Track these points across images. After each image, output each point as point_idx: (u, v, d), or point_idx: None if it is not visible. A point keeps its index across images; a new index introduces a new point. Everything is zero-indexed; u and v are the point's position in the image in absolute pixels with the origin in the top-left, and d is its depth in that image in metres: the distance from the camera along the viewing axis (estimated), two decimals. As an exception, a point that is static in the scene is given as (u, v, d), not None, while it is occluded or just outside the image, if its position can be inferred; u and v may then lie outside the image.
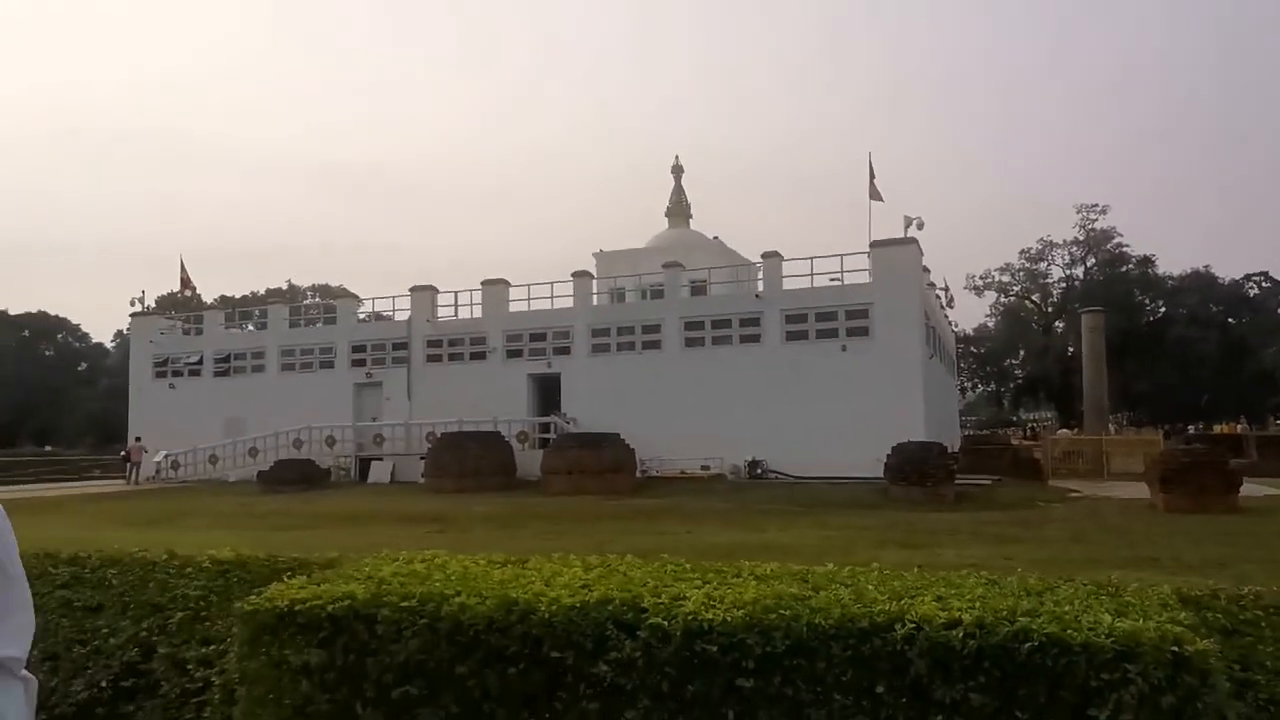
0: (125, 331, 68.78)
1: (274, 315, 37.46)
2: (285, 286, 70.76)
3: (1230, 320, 60.50)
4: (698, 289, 32.20)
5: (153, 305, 42.15)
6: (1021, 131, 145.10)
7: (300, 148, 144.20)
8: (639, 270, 33.59)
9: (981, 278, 63.69)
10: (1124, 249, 60.50)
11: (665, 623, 3.00)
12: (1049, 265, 62.99)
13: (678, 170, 42.34)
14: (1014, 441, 39.08)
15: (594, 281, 33.47)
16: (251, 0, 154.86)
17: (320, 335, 35.92)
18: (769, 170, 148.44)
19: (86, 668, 4.28)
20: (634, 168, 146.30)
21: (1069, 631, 2.70)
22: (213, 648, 4.09)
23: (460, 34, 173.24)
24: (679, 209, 41.62)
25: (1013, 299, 65.07)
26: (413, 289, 34.36)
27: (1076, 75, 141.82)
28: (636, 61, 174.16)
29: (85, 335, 72.74)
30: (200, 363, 36.62)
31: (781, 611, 2.97)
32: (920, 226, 28.47)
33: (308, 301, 56.93)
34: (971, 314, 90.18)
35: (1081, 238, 60.87)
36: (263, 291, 69.72)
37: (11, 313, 67.83)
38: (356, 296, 38.22)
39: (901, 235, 28.76)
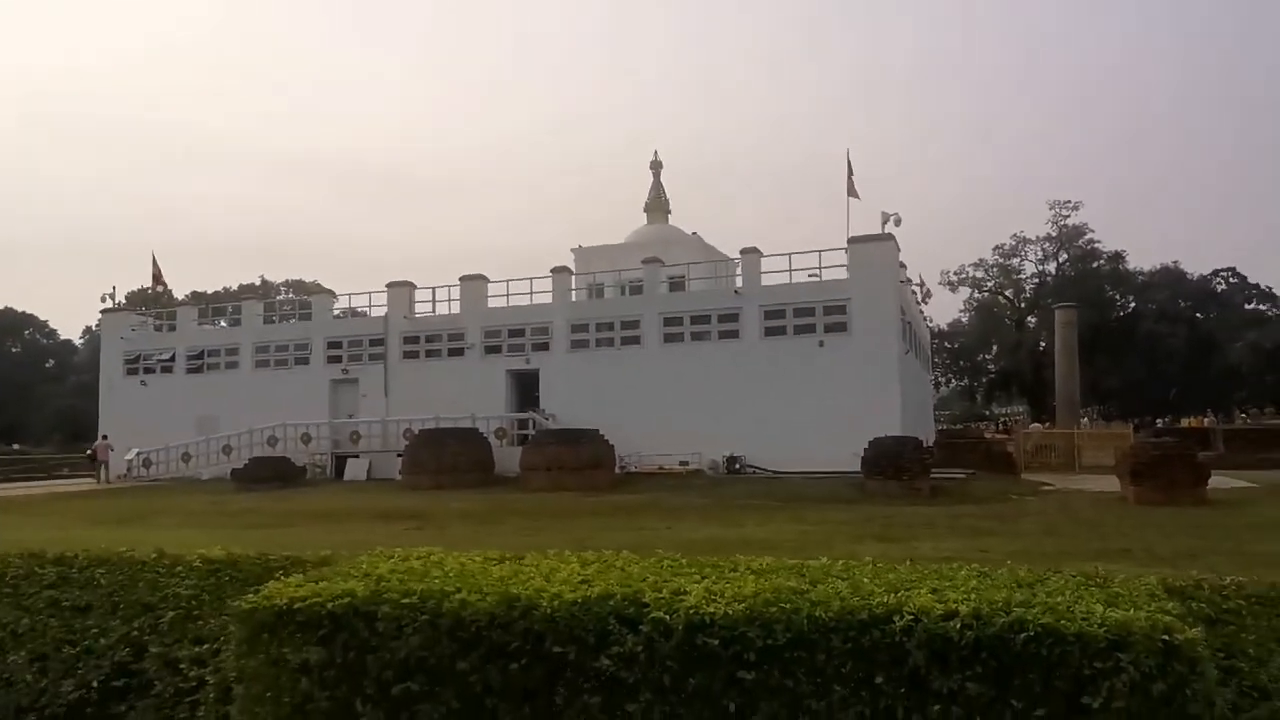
0: (94, 328, 67.79)
1: (248, 311, 37.02)
2: (258, 282, 70.00)
3: (1198, 315, 61.60)
4: (676, 285, 32.24)
5: (123, 301, 41.40)
6: (996, 128, 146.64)
7: (272, 141, 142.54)
8: (618, 266, 33.57)
9: (956, 273, 64.45)
10: (1095, 245, 61.44)
11: (667, 617, 3.03)
12: (1022, 261, 63.85)
13: (656, 165, 42.34)
14: (987, 436, 39.53)
15: (573, 277, 33.38)
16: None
17: (295, 331, 35.56)
18: (746, 166, 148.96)
19: (76, 668, 4.24)
20: (612, 162, 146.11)
21: (1063, 622, 2.77)
22: (206, 646, 4.06)
23: (435, 25, 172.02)
24: (658, 204, 41.62)
25: (986, 294, 65.84)
26: (389, 284, 34.10)
27: (1051, 73, 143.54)
28: (612, 55, 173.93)
29: (53, 332, 71.55)
30: (173, 359, 36.10)
31: (782, 605, 3.01)
32: (898, 223, 28.72)
33: (282, 297, 56.35)
34: (946, 309, 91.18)
35: (1054, 234, 61.73)
36: (235, 287, 68.92)
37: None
38: (332, 292, 37.88)
39: (879, 231, 28.97)
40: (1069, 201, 61.34)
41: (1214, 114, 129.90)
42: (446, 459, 26.03)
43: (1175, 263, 63.66)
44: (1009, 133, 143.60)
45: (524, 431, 29.59)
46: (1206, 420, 49.30)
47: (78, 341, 72.52)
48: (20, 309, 69.24)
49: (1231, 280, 64.07)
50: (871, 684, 2.88)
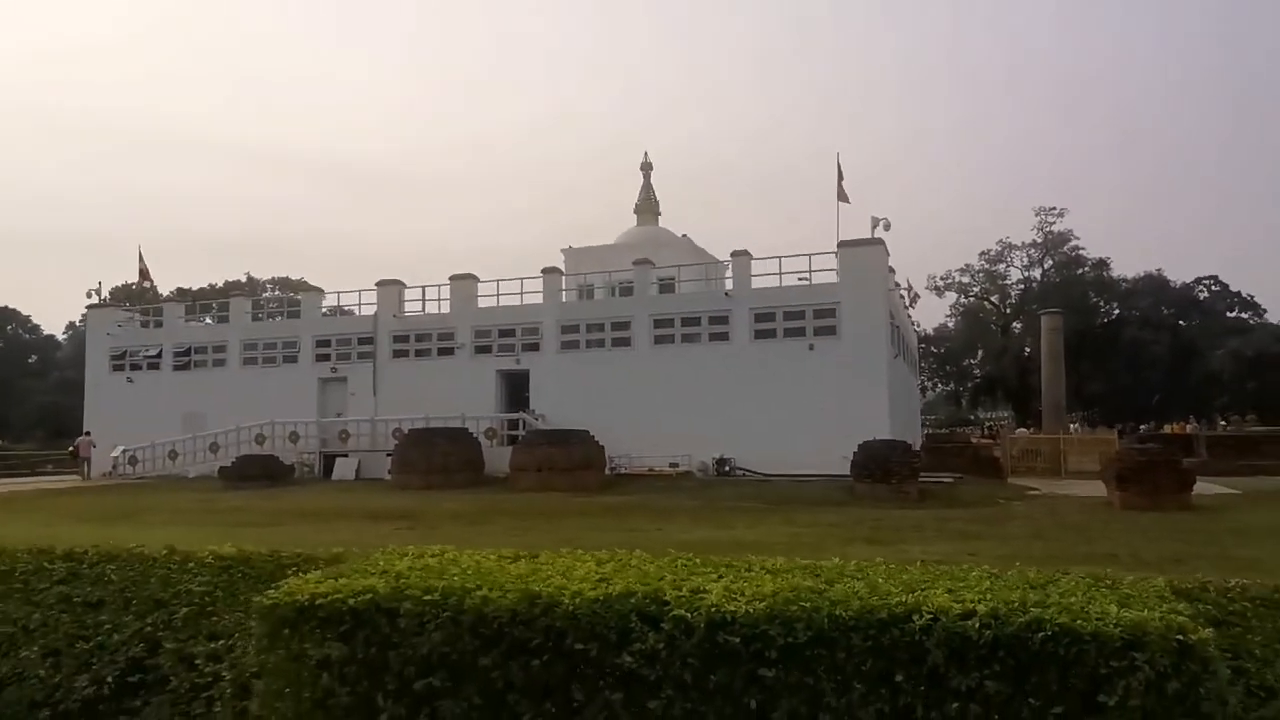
0: (78, 323, 67.19)
1: (236, 308, 36.78)
2: (244, 279, 69.58)
3: (1181, 323, 62.26)
4: (666, 286, 32.29)
5: (108, 297, 41.06)
6: (984, 134, 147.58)
7: (258, 138, 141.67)
8: (608, 267, 33.59)
9: (942, 278, 64.90)
10: (1080, 251, 62.02)
11: (688, 615, 3.08)
12: (1008, 267, 64.36)
13: (647, 167, 42.41)
14: (974, 440, 39.78)
15: (563, 278, 33.38)
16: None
17: (283, 329, 35.37)
18: (735, 169, 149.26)
19: (90, 663, 4.24)
20: (602, 164, 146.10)
21: (1079, 622, 2.83)
22: (221, 643, 4.08)
23: (420, 22, 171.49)
24: (648, 206, 41.68)
25: (972, 300, 66.33)
26: (379, 283, 33.98)
27: (1039, 81, 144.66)
28: (600, 55, 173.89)
29: (36, 327, 70.82)
30: (159, 356, 35.83)
31: (802, 604, 3.06)
32: (887, 228, 28.91)
33: (269, 295, 56.03)
34: (932, 314, 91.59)
35: (1040, 240, 62.26)
36: (221, 284, 68.46)
37: (-41, 303, 65.81)
38: (320, 290, 37.57)
39: (868, 235, 29.14)
40: (1054, 208, 61.98)
41: (1200, 125, 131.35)
42: (436, 459, 25.97)
43: (1159, 270, 64.43)
44: (997, 139, 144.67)
45: (514, 432, 29.55)
46: (1189, 426, 49.78)
47: (61, 337, 71.86)
48: (1, 303, 68.55)
49: (1214, 288, 64.82)
50: (891, 681, 2.93)
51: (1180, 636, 2.78)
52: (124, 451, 31.47)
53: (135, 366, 36.17)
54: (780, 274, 29.89)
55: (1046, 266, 63.10)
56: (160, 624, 4.29)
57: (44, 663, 4.32)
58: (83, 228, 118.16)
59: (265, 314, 38.42)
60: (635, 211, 42.04)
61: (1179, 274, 67.80)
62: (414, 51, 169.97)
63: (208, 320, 39.52)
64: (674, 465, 27.78)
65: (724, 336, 29.48)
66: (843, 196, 30.42)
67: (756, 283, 30.10)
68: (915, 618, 2.95)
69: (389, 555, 4.07)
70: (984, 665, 2.88)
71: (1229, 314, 63.96)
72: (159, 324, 37.35)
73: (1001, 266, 64.15)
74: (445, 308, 33.03)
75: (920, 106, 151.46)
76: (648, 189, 42.11)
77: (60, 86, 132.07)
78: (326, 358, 33.69)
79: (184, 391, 34.58)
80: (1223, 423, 53.30)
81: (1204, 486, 22.72)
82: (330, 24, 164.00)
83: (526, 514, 19.39)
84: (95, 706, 4.16)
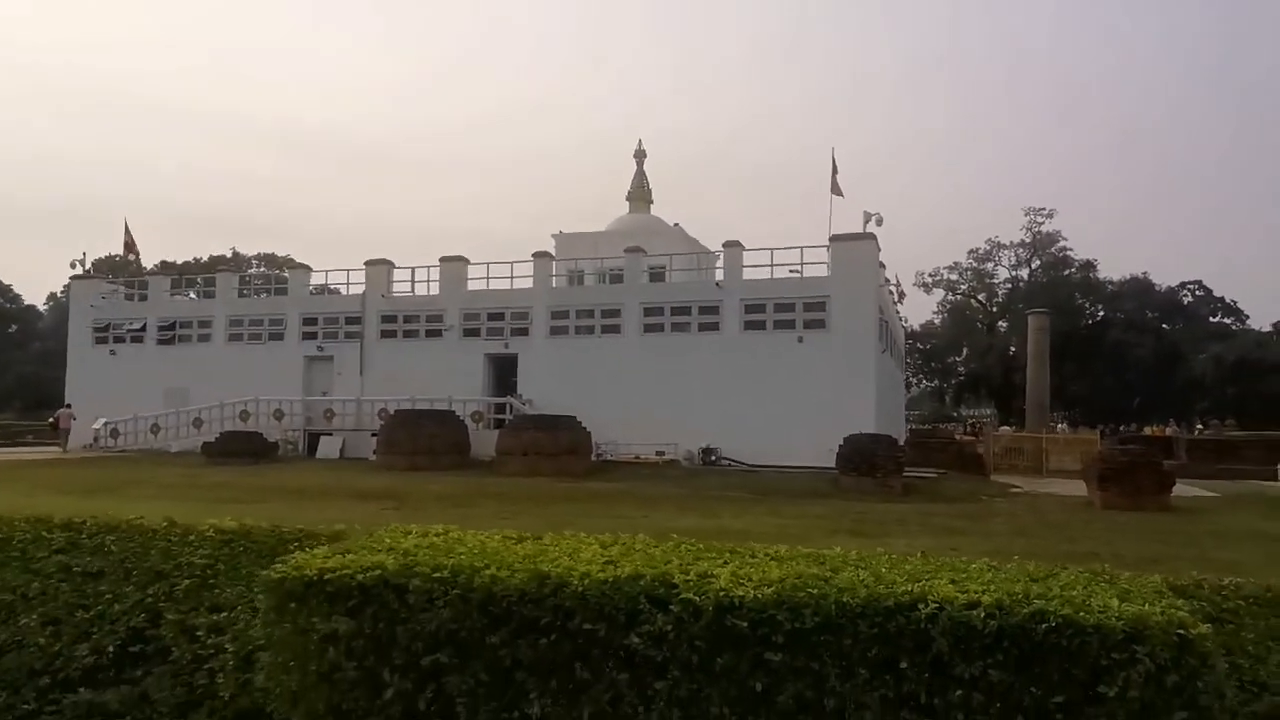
0: (59, 294, 66.46)
1: (222, 283, 36.47)
2: (230, 254, 69.00)
3: (1164, 326, 62.88)
4: (657, 275, 32.27)
5: (91, 269, 40.62)
6: (976, 133, 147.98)
7: (247, 111, 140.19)
8: (598, 253, 33.52)
9: (931, 275, 65.21)
10: (1068, 252, 62.47)
11: (697, 598, 3.12)
12: (996, 265, 64.76)
13: (640, 155, 42.26)
14: (958, 437, 40.10)
15: (553, 263, 33.29)
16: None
17: (270, 306, 35.12)
18: (729, 160, 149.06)
19: (90, 632, 4.24)
20: (594, 150, 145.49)
21: (1081, 614, 2.89)
22: (224, 615, 4.08)
23: (413, 1, 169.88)
24: (640, 193, 41.56)
25: (959, 297, 66.70)
26: (368, 262, 33.77)
27: (1034, 81, 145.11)
28: (595, 41, 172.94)
29: (17, 297, 69.97)
30: (143, 329, 35.50)
31: (809, 590, 3.11)
32: (879, 223, 28.99)
33: (255, 270, 55.58)
34: (919, 310, 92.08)
35: (1028, 240, 62.63)
36: (205, 258, 67.88)
37: (-62, 270, 64.92)
38: (308, 267, 37.32)
39: (860, 230, 29.22)
40: (1044, 209, 62.37)
41: (1194, 130, 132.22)
42: (422, 440, 25.92)
43: (1144, 274, 65.00)
44: (991, 138, 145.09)
45: (500, 416, 29.54)
46: (1168, 429, 50.32)
47: (42, 307, 71.07)
48: (-17, 272, 67.64)
49: (1198, 293, 65.47)
50: (895, 668, 2.99)
51: (1180, 631, 2.85)
52: (105, 424, 31.23)
53: (119, 339, 35.84)
54: (771, 266, 29.94)
55: (1034, 266, 63.55)
56: (162, 595, 4.29)
57: (44, 631, 4.31)
58: (66, 197, 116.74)
59: (252, 290, 38.14)
60: (628, 199, 41.92)
61: (1165, 278, 68.44)
62: (404, 30, 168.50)
63: (192, 295, 39.19)
64: (660, 453, 27.87)
65: (714, 327, 29.53)
66: (836, 190, 30.49)
67: (747, 274, 30.13)
68: (921, 607, 3.00)
69: (393, 533, 4.08)
70: (987, 654, 2.94)
71: (1212, 319, 64.67)
72: (143, 297, 37.00)
73: (989, 265, 64.61)
74: (434, 289, 32.89)
75: (916, 103, 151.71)
76: (641, 176, 41.99)
77: (48, 50, 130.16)
78: (313, 336, 33.51)
79: (167, 366, 34.31)
80: (1199, 427, 53.90)
81: (1183, 489, 22.99)
82: (336, 6, 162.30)
83: (513, 498, 19.40)
84: (95, 675, 4.16)
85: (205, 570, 4.34)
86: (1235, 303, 65.25)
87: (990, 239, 64.24)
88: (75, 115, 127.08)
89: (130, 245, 38.26)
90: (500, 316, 31.69)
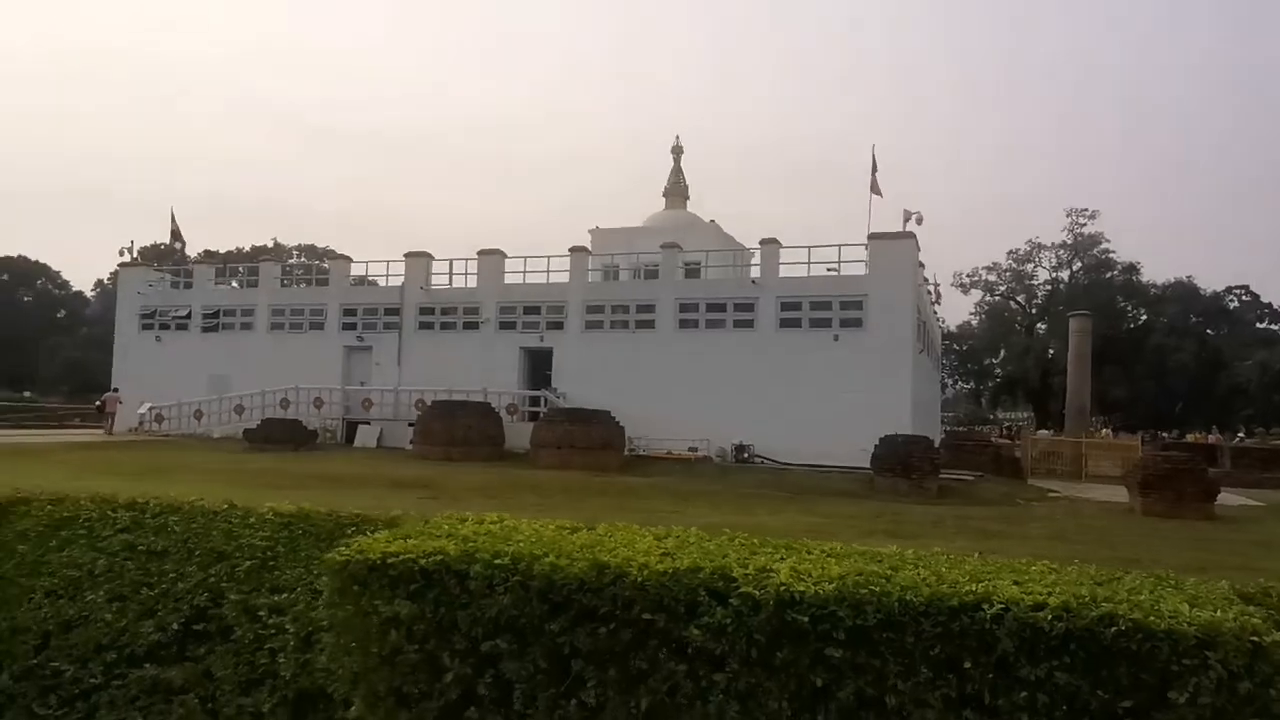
0: (105, 281, 68.00)
1: (265, 273, 37.07)
2: (271, 244, 70.06)
3: (1209, 332, 61.53)
4: (692, 271, 32.23)
5: (138, 257, 41.48)
6: (1020, 133, 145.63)
7: (292, 104, 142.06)
8: (634, 249, 33.56)
9: (969, 275, 64.36)
10: (1110, 254, 61.26)
11: (757, 592, 3.13)
12: (1035, 267, 63.74)
13: (677, 151, 42.20)
14: (994, 440, 39.62)
15: (590, 258, 33.38)
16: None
17: (311, 296, 35.64)
18: (765, 158, 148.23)
19: (155, 610, 4.35)
20: (631, 146, 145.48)
21: (1151, 618, 2.86)
22: (284, 596, 4.17)
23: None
24: (677, 190, 41.51)
25: (998, 299, 65.77)
26: (407, 254, 34.13)
27: (1077, 80, 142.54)
28: (637, 41, 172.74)
29: (65, 283, 71.74)
30: (188, 317, 36.20)
31: (871, 587, 3.11)
32: (919, 221, 28.70)
33: (295, 261, 56.37)
34: (956, 311, 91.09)
35: (1069, 241, 61.57)
36: (247, 248, 69.01)
37: (-9, 257, 66.74)
38: (348, 258, 37.79)
39: (899, 229, 28.95)
40: (1086, 209, 61.20)
41: (1240, 137, 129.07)
42: (458, 431, 26.18)
43: (1189, 277, 63.54)
44: (1034, 136, 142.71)
45: (535, 409, 29.73)
46: (1211, 437, 49.28)
47: (89, 293, 72.72)
48: (34, 258, 69.39)
49: (1244, 298, 63.97)
50: (959, 668, 2.98)
51: (1254, 638, 2.81)
52: (150, 409, 31.90)
53: (164, 326, 36.59)
54: (809, 263, 29.78)
55: (1075, 268, 62.43)
56: (224, 575, 4.39)
57: (110, 607, 4.43)
58: (115, 185, 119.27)
59: (293, 280, 38.70)
60: (664, 195, 41.90)
61: (1209, 282, 66.88)
62: (445, 22, 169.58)
63: (234, 284, 39.86)
64: (693, 449, 27.87)
65: (749, 324, 29.43)
66: (876, 189, 30.23)
67: (784, 271, 29.98)
68: (986, 607, 2.99)
69: (450, 520, 4.14)
70: (1054, 656, 2.92)
71: (1259, 325, 63.14)
72: (188, 285, 37.75)
73: (1029, 266, 63.59)
74: (472, 282, 33.15)
75: (958, 102, 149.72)
76: (677, 173, 41.94)
77: (95, 38, 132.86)
78: (353, 326, 33.96)
79: (211, 353, 34.98)
80: (1239, 435, 52.69)
81: (1227, 497, 22.57)
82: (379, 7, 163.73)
83: (547, 490, 19.55)
84: (159, 652, 4.27)
85: (265, 552, 4.44)
86: (1283, 308, 63.73)
87: (1031, 240, 63.20)
88: (119, 104, 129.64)
89: (176, 234, 39.03)
90: (536, 310, 31.88)
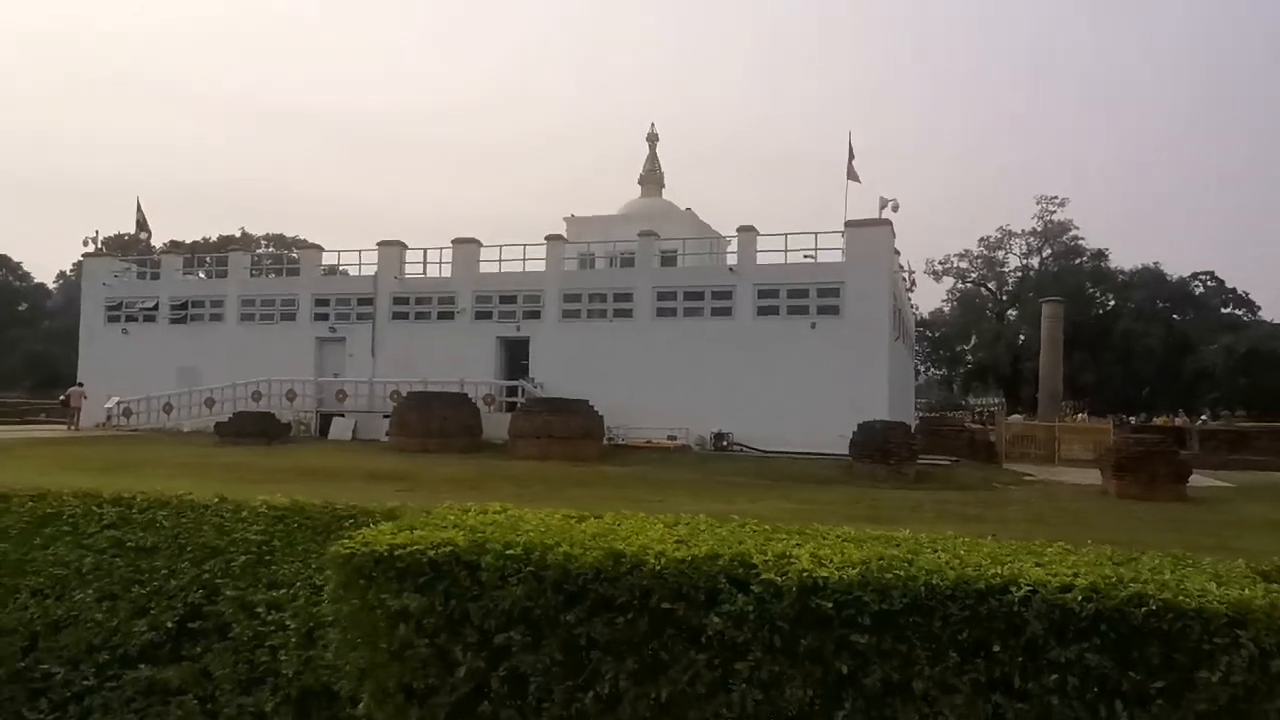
0: (68, 272, 66.51)
1: (234, 263, 36.42)
2: (239, 234, 68.86)
3: (1175, 317, 62.54)
4: (669, 259, 32.14)
5: (103, 247, 40.59)
6: (992, 119, 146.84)
7: (257, 91, 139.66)
8: (610, 237, 33.41)
9: (941, 263, 64.91)
10: (1079, 241, 62.04)
11: (779, 579, 3.07)
12: (1006, 254, 64.37)
13: (653, 138, 42.04)
14: (969, 425, 40.04)
15: (565, 246, 33.16)
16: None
17: (282, 286, 35.07)
18: (740, 147, 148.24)
19: (148, 608, 4.20)
20: (606, 133, 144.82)
21: (1181, 598, 2.84)
22: (283, 591, 4.04)
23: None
24: (652, 178, 41.37)
25: (969, 285, 66.40)
26: (380, 243, 33.68)
27: (1049, 69, 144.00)
28: (610, 29, 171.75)
29: (27, 274, 69.98)
30: (155, 309, 35.49)
31: (896, 572, 3.06)
32: (895, 209, 28.82)
33: (264, 251, 55.51)
34: (928, 298, 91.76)
35: (1039, 229, 62.23)
36: (214, 238, 67.77)
37: (-53, 248, 64.95)
38: (319, 248, 37.19)
39: (875, 216, 29.05)
40: (1055, 197, 61.90)
41: (1207, 124, 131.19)
42: (434, 423, 25.91)
43: (1155, 263, 64.51)
44: (1004, 125, 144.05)
45: (512, 399, 29.54)
46: (1178, 420, 50.21)
47: (51, 285, 71.11)
48: (-7, 250, 67.67)
49: (1209, 284, 65.09)
50: (987, 651, 2.94)
51: (1287, 616, 2.80)
52: (118, 403, 31.28)
53: (131, 318, 35.84)
54: (785, 251, 29.78)
55: (1045, 255, 63.17)
56: (218, 571, 4.25)
57: (100, 606, 4.27)
58: (73, 173, 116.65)
59: (263, 270, 38.08)
60: (639, 183, 41.74)
61: (1176, 268, 67.93)
62: (412, 6, 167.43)
63: (202, 275, 39.14)
64: (672, 438, 27.86)
65: (726, 312, 29.42)
66: (853, 175, 30.29)
67: (761, 259, 29.98)
68: (1014, 589, 2.95)
69: (453, 510, 4.03)
70: (1083, 638, 2.89)
71: (1224, 310, 64.32)
72: (155, 276, 36.98)
73: (1000, 253, 64.22)
74: (447, 271, 32.81)
75: (930, 90, 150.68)
76: (653, 160, 41.79)
77: (55, 26, 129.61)
78: (325, 317, 33.49)
79: (180, 345, 34.32)
80: (1202, 418, 53.72)
81: (1197, 479, 22.90)
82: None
83: (527, 481, 19.39)
84: (153, 651, 4.12)
85: (261, 546, 4.30)
86: (1247, 294, 64.94)
87: (1001, 227, 63.83)
88: (79, 91, 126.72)
89: (142, 223, 38.21)
90: (512, 299, 31.63)
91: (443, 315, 32.26)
